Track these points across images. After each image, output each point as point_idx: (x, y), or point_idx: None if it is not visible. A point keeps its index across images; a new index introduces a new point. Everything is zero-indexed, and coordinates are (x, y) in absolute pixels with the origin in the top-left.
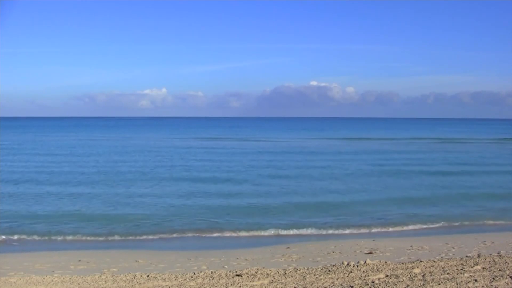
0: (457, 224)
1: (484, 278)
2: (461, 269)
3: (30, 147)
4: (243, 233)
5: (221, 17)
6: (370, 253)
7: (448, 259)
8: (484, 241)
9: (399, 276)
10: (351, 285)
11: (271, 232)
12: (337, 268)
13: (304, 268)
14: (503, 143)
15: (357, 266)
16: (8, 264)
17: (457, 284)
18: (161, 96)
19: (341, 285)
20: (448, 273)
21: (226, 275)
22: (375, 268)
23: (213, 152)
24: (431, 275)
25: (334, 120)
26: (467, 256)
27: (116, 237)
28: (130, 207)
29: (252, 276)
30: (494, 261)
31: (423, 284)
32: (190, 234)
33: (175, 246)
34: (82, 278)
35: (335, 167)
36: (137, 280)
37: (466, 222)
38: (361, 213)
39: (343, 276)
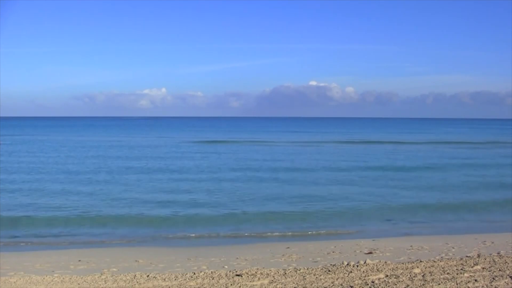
0: (456, 224)
1: (484, 278)
2: (461, 269)
3: (28, 147)
4: (243, 233)
5: (221, 17)
6: (370, 253)
7: (448, 259)
8: (484, 241)
9: (399, 276)
10: (351, 285)
11: (270, 232)
12: (337, 268)
13: (304, 268)
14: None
15: (357, 266)
16: (8, 264)
17: (457, 284)
18: (160, 96)
19: (341, 285)
20: (448, 273)
21: (226, 275)
22: (375, 268)
23: (212, 153)
24: (431, 275)
25: (334, 120)
26: (467, 256)
27: (116, 237)
28: (129, 207)
29: (252, 276)
30: (494, 261)
31: (423, 284)
32: (190, 234)
33: (175, 246)
34: (82, 278)
35: (336, 168)
36: (137, 280)
37: (465, 222)
38: (361, 213)
39: (343, 276)
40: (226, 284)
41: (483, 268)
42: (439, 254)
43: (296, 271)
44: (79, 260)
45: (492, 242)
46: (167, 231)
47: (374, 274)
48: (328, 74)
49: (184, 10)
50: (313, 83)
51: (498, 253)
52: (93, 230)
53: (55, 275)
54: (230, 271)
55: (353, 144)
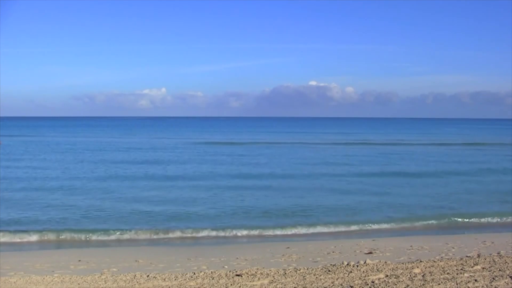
0: (457, 224)
1: (484, 278)
2: (461, 269)
3: (28, 147)
4: (243, 233)
5: (221, 17)
6: (370, 253)
7: (448, 259)
8: (484, 241)
9: (399, 276)
10: (351, 285)
11: (271, 232)
12: (337, 268)
13: (304, 268)
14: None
15: (357, 266)
16: (8, 264)
17: (457, 284)
18: (160, 96)
19: (341, 285)
20: (448, 273)
21: (226, 275)
22: (375, 268)
23: (212, 154)
24: (431, 275)
25: (334, 120)
26: (467, 256)
27: (116, 237)
28: (129, 208)
29: (252, 276)
30: (494, 261)
31: (423, 284)
32: (190, 234)
33: (175, 246)
34: (82, 278)
35: (336, 168)
36: (137, 280)
37: (466, 222)
38: (361, 213)
39: (343, 276)
40: (226, 284)
41: (483, 268)
42: (439, 254)
43: (296, 271)
44: (79, 260)
45: (492, 242)
46: (167, 232)
47: (374, 274)
48: (328, 74)
49: (184, 10)
50: (313, 83)
51: (498, 253)
52: (93, 230)
53: (55, 275)
54: (230, 271)
55: (353, 145)
